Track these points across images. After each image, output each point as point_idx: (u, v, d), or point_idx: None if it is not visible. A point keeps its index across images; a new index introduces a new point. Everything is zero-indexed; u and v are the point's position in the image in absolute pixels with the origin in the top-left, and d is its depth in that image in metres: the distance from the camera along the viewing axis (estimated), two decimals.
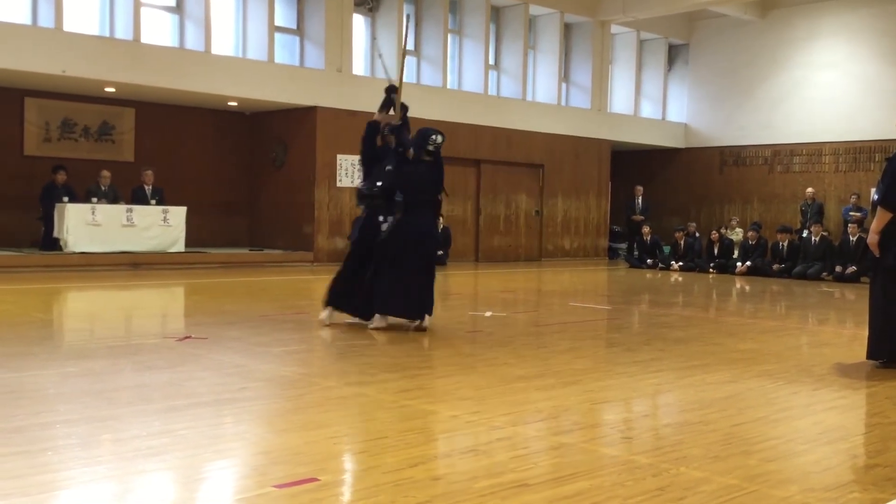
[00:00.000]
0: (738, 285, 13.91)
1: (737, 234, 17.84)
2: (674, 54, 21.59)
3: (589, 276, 15.52)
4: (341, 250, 15.41)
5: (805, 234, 16.29)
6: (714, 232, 17.12)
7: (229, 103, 15.23)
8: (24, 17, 12.83)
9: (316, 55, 15.30)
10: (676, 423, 4.39)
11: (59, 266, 12.28)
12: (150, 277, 11.19)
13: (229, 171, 15.83)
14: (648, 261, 17.27)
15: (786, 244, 15.82)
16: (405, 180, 7.10)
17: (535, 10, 18.39)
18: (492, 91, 18.00)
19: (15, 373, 5.15)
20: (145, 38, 13.44)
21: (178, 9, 14.37)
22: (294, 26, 15.58)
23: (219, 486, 3.30)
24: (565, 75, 19.55)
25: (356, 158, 15.42)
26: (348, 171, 15.44)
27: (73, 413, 4.22)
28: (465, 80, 17.71)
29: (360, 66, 16.23)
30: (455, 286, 12.17)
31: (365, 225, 7.38)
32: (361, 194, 7.44)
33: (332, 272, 13.75)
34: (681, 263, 16.73)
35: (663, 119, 21.17)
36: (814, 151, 19.27)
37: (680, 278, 15.10)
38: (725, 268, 16.21)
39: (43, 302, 9.39)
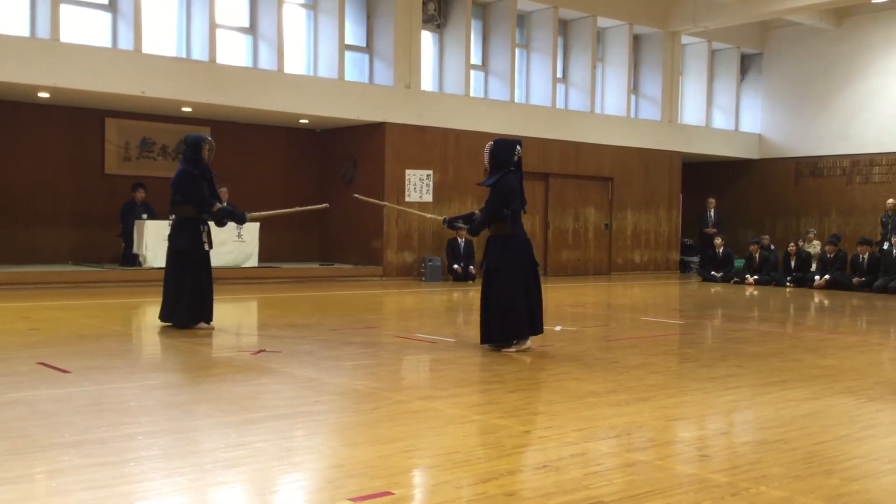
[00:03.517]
0: (816, 299, 13.53)
1: (814, 247, 17.38)
2: (747, 64, 21.18)
3: (660, 289, 15.29)
4: (410, 265, 15.54)
5: (886, 246, 15.76)
6: (792, 245, 16.70)
7: (301, 121, 15.51)
8: (104, 41, 13.29)
9: (385, 72, 15.48)
10: (755, 441, 4.28)
11: (139, 281, 12.64)
12: (225, 292, 11.41)
13: (300, 187, 16.09)
14: (713, 273, 16.96)
15: (866, 257, 15.35)
16: (512, 192, 6.86)
17: (603, 22, 18.28)
18: (560, 104, 17.93)
19: (98, 385, 5.31)
20: (220, 59, 13.79)
21: (252, 30, 14.71)
22: (364, 44, 15.80)
23: (295, 498, 3.35)
24: (634, 87, 19.37)
25: (424, 173, 15.65)
26: (417, 185, 15.55)
27: (154, 425, 4.34)
28: (533, 94, 17.69)
29: (428, 82, 16.36)
30: None
31: (193, 236, 7.93)
32: (231, 213, 8.35)
33: (401, 286, 14.00)
34: (756, 277, 16.37)
35: (736, 130, 20.78)
36: (894, 161, 18.66)
37: (755, 292, 14.76)
38: (803, 281, 15.80)
39: (123, 316, 9.68)
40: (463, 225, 7.48)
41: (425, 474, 3.63)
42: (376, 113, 15.14)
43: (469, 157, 15.92)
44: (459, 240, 15.35)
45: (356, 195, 9.35)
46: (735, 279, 16.65)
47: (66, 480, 3.36)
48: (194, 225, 8.00)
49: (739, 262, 17.31)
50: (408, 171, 15.49)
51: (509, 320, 6.84)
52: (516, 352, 6.85)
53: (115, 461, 3.63)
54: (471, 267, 15.32)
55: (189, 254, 7.94)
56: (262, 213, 9.05)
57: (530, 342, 7.02)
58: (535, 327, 7.00)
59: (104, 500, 3.13)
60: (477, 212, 7.29)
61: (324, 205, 9.46)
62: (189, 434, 4.16)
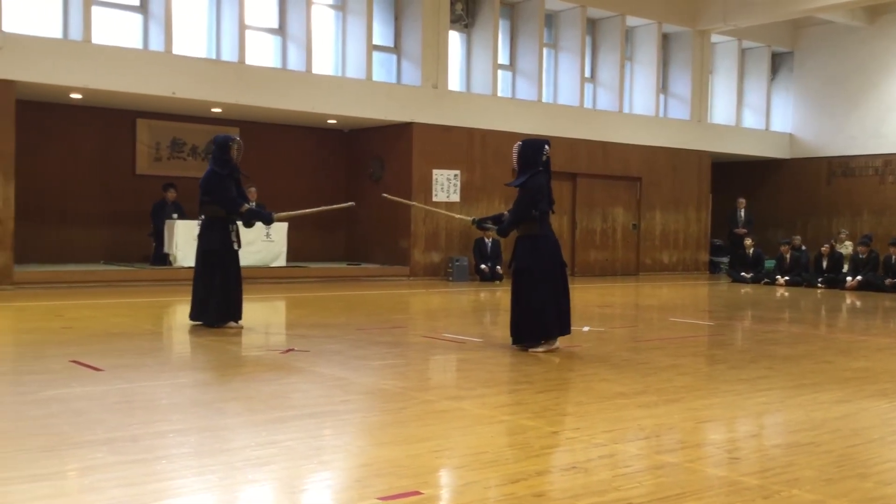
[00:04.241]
0: (848, 301, 13.36)
1: (846, 248, 17.15)
2: (777, 62, 20.96)
3: (689, 290, 15.17)
4: (437, 264, 15.55)
5: None
6: (825, 245, 16.48)
7: (329, 121, 15.57)
8: (135, 42, 13.43)
9: (412, 72, 15.50)
10: (786, 444, 4.24)
11: (169, 280, 12.76)
12: (254, 291, 11.49)
13: (328, 186, 16.15)
14: (742, 273, 16.79)
15: None
16: (540, 192, 6.91)
17: (632, 21, 18.18)
18: (587, 104, 17.85)
19: (129, 383, 5.37)
20: (250, 60, 13.87)
21: (281, 31, 14.79)
22: (391, 45, 15.83)
23: (324, 496, 3.36)
24: (663, 86, 19.23)
25: (452, 173, 15.66)
26: (444, 185, 15.56)
27: (185, 422, 4.38)
28: (561, 94, 17.62)
29: (455, 82, 16.36)
30: None
31: (222, 236, 7.99)
32: (258, 213, 8.37)
33: (428, 286, 14.01)
34: (787, 278, 16.19)
35: (767, 129, 20.56)
36: None
37: (786, 293, 14.60)
38: (835, 282, 15.60)
39: (154, 315, 9.78)
40: (492, 226, 7.52)
41: (453, 474, 3.63)
42: (404, 113, 15.17)
43: (496, 157, 15.90)
44: (487, 240, 15.33)
45: (385, 195, 9.38)
46: (765, 280, 16.48)
47: (99, 477, 3.40)
48: (223, 225, 8.06)
49: (770, 263, 17.13)
50: (435, 171, 15.50)
51: (538, 320, 6.86)
52: (544, 352, 6.83)
53: (147, 458, 3.66)
54: (498, 267, 15.30)
55: (218, 253, 8.00)
56: (289, 213, 9.11)
57: (558, 342, 7.01)
58: (564, 328, 7.00)
59: (136, 497, 3.17)
60: (506, 213, 7.33)
61: (349, 203, 9.51)
62: (219, 432, 4.19)
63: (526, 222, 6.98)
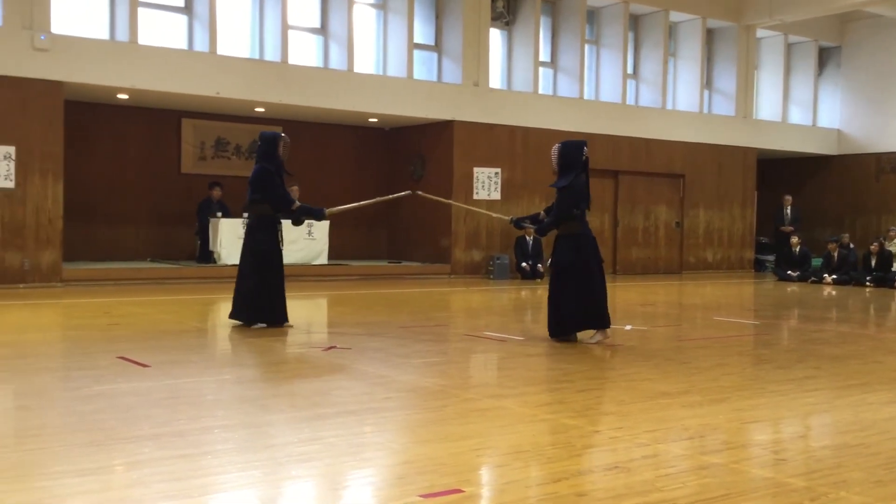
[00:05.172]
0: None
1: (895, 246, 16.79)
2: (825, 57, 20.58)
3: (734, 289, 14.97)
4: (478, 263, 15.54)
5: None
6: (874, 244, 16.15)
7: (370, 119, 15.63)
8: (180, 43, 13.62)
9: (453, 70, 15.51)
10: (834, 445, 4.16)
11: (214, 278, 12.92)
12: (296, 289, 11.59)
13: (369, 185, 16.21)
14: (789, 272, 16.52)
15: None
16: (581, 193, 7.16)
17: (675, 16, 17.98)
18: (630, 101, 17.70)
19: (175, 379, 5.45)
20: (292, 60, 13.99)
21: (323, 30, 14.89)
22: (432, 43, 15.85)
23: (366, 493, 3.38)
24: (708, 82, 18.99)
25: (492, 171, 15.63)
26: (485, 183, 15.54)
27: (230, 418, 4.43)
28: (603, 91, 17.49)
29: (496, 79, 16.32)
30: None
31: (272, 236, 7.89)
32: (310, 210, 8.26)
33: (469, 284, 14.01)
34: (835, 276, 15.90)
35: (814, 125, 20.20)
36: None
37: (834, 292, 14.33)
38: (884, 281, 15.28)
39: (199, 312, 9.91)
40: (530, 224, 7.72)
41: (495, 472, 3.63)
42: (444, 111, 15.18)
43: (538, 155, 15.82)
44: (528, 238, 15.29)
45: (419, 192, 9.35)
46: (812, 279, 16.20)
47: (145, 472, 3.45)
48: (272, 223, 7.97)
49: (817, 261, 16.84)
50: (476, 169, 15.49)
51: (578, 315, 7.11)
52: (593, 343, 7.10)
53: (193, 454, 3.71)
54: (539, 265, 15.24)
55: (270, 253, 7.90)
56: (342, 206, 8.91)
57: (600, 336, 7.20)
58: (604, 321, 7.22)
59: (182, 491, 3.21)
60: (542, 212, 7.62)
61: (406, 192, 9.25)
62: (263, 428, 4.23)
63: (566, 221, 7.21)
